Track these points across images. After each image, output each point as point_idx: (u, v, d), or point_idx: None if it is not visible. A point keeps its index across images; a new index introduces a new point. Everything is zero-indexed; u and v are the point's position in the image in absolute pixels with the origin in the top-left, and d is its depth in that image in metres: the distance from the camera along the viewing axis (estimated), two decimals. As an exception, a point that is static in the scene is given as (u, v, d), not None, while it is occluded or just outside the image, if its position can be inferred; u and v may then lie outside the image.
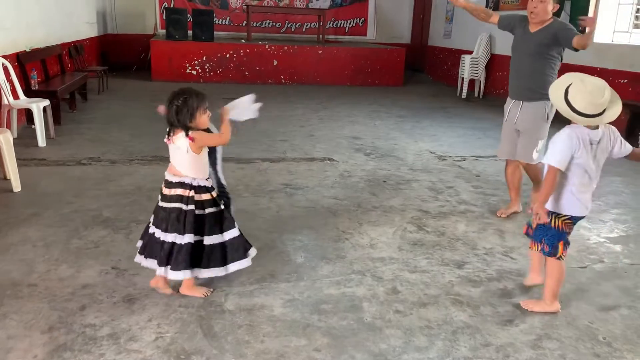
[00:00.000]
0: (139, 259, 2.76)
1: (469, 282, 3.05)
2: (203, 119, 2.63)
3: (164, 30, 11.46)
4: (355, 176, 5.04)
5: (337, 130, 7.06)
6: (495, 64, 10.79)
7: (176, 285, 2.77)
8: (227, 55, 11.12)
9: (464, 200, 4.48)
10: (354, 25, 14.46)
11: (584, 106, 2.49)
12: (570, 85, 2.57)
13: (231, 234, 2.71)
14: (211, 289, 2.81)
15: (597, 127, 2.59)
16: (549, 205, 2.67)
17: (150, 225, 2.74)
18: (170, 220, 2.62)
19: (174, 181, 2.65)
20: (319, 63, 11.64)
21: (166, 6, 12.78)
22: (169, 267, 2.62)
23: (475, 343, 2.47)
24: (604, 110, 2.51)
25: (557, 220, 2.69)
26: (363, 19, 14.47)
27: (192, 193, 2.62)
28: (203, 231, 2.65)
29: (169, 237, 2.62)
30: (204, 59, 10.99)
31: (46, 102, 5.85)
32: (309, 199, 4.35)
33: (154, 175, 4.74)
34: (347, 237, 3.61)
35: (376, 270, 3.15)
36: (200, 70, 11.01)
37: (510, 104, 4.01)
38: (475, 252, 3.47)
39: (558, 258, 2.71)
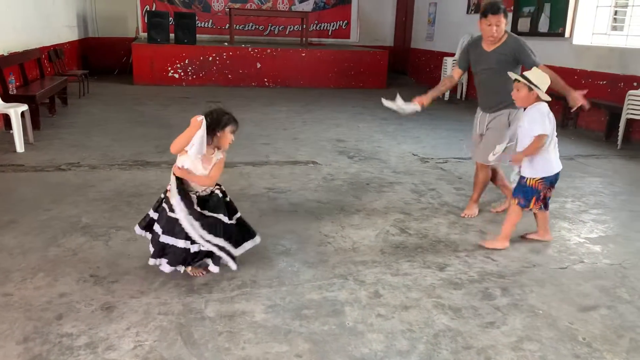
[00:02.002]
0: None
1: (451, 284, 3.06)
2: (227, 135, 2.94)
3: (146, 34, 11.36)
4: (339, 179, 5.03)
5: (320, 133, 7.05)
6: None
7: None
8: (210, 59, 11.06)
9: (446, 202, 4.49)
10: (337, 28, 14.48)
11: (540, 82, 3.35)
12: (523, 75, 3.41)
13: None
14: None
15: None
16: (528, 173, 3.46)
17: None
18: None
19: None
20: (303, 66, 11.64)
21: (148, 9, 12.69)
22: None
23: (456, 346, 2.47)
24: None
25: (530, 180, 3.47)
26: (346, 21, 14.51)
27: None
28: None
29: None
30: (187, 62, 10.92)
31: (24, 107, 5.76)
32: (291, 202, 4.33)
33: (134, 180, 4.69)
34: (330, 241, 3.60)
35: (358, 273, 3.14)
36: (182, 74, 10.94)
37: (479, 115, 4.18)
38: (456, 254, 3.47)
39: (530, 209, 3.55)
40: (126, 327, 2.50)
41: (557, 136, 3.51)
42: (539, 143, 3.36)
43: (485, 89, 4.10)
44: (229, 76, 11.21)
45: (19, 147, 5.46)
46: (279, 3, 13.97)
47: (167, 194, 2.89)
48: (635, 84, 7.13)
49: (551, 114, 3.42)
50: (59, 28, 10.02)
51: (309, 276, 3.08)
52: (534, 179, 3.46)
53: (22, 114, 5.68)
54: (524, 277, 3.18)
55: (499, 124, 4.01)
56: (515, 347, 2.48)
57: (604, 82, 7.81)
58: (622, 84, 7.46)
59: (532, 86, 3.33)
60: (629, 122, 6.97)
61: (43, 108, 7.00)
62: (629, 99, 6.82)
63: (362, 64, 12.01)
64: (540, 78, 3.36)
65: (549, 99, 3.38)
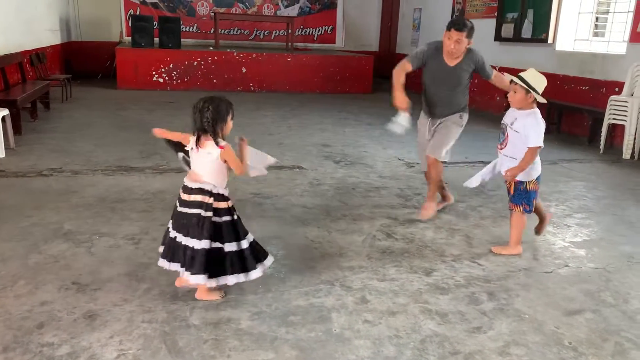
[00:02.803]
0: (162, 262, 2.76)
1: (438, 289, 3.06)
2: (230, 125, 2.71)
3: (130, 38, 11.27)
4: (325, 184, 5.02)
5: (306, 138, 7.04)
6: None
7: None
8: (195, 63, 11.01)
9: (432, 207, 4.49)
10: (322, 33, 14.51)
11: (540, 85, 3.30)
12: (517, 75, 3.35)
13: (246, 242, 2.76)
14: (223, 292, 2.85)
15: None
16: (522, 177, 3.41)
17: (171, 230, 2.75)
18: (191, 225, 2.66)
19: (193, 187, 2.69)
20: (288, 71, 11.63)
21: (132, 13, 12.59)
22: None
23: (443, 352, 2.46)
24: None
25: (529, 184, 3.46)
26: (332, 26, 14.54)
27: (211, 200, 2.67)
28: (222, 238, 2.69)
29: (190, 242, 2.66)
30: (171, 66, 10.85)
31: (5, 112, 5.66)
32: (277, 208, 4.30)
33: (118, 186, 4.63)
34: (316, 247, 3.58)
35: (345, 279, 3.12)
36: (167, 78, 10.87)
37: (427, 122, 4.25)
38: (443, 259, 3.48)
39: (529, 212, 3.54)
40: (109, 335, 2.45)
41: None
42: (533, 155, 3.33)
43: (440, 100, 4.13)
44: (214, 81, 11.16)
45: (0, 152, 5.37)
46: (264, 8, 13.96)
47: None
48: (616, 89, 7.23)
49: None
50: (41, 32, 9.90)
51: (296, 282, 3.06)
52: (531, 181, 3.45)
53: (3, 118, 5.59)
54: (509, 282, 3.19)
55: (451, 121, 4.12)
56: (502, 352, 2.48)
57: (587, 87, 7.92)
58: (604, 89, 7.57)
59: (530, 89, 3.27)
60: (611, 126, 7.06)
61: (25, 113, 6.89)
62: (611, 104, 6.91)
63: (347, 69, 12.03)
64: (537, 79, 3.30)
65: (545, 101, 3.37)
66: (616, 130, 7.19)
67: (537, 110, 3.36)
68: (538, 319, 2.79)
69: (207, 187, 2.67)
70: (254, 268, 2.76)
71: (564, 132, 8.13)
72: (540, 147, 3.32)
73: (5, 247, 3.32)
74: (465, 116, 4.21)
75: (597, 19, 8.25)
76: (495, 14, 9.92)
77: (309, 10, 14.27)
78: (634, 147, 6.72)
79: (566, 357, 2.46)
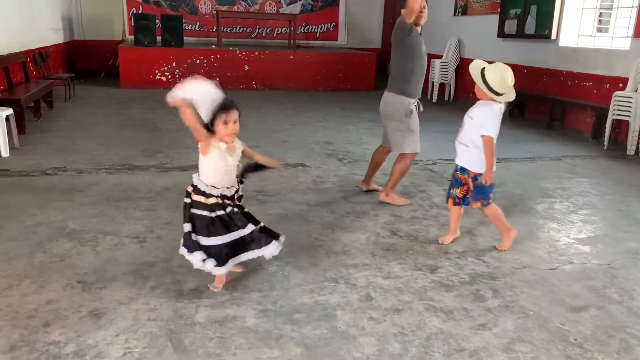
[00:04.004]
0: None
1: (442, 286, 3.06)
2: (219, 129, 2.70)
3: (133, 36, 11.27)
4: (328, 182, 5.02)
5: (309, 136, 7.04)
6: (464, 67, 10.92)
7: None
8: (198, 61, 11.01)
9: (435, 204, 4.50)
10: (324, 30, 14.48)
11: (497, 85, 3.20)
12: (485, 67, 3.24)
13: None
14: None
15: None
16: (478, 169, 3.38)
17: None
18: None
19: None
20: (291, 68, 11.62)
21: (134, 12, 12.60)
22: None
23: (449, 348, 2.46)
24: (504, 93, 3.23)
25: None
26: (334, 24, 14.50)
27: (190, 189, 2.79)
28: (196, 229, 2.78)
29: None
30: (174, 64, 10.86)
31: (9, 111, 5.68)
32: (281, 206, 4.31)
33: (121, 184, 4.64)
34: (320, 244, 3.58)
35: (350, 277, 3.12)
36: (170, 76, 10.87)
37: (415, 102, 4.38)
38: (447, 256, 3.47)
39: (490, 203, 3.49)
40: (115, 333, 2.46)
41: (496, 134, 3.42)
42: (491, 145, 3.29)
43: (423, 72, 4.35)
44: (217, 79, 11.00)
45: (4, 151, 5.38)
46: (267, 6, 13.95)
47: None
48: (620, 84, 7.21)
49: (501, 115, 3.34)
50: (44, 31, 9.91)
51: (300, 280, 3.06)
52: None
53: (7, 118, 5.61)
54: (514, 279, 3.19)
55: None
56: (507, 348, 2.48)
57: (590, 83, 7.89)
58: (608, 85, 7.54)
59: (487, 90, 3.23)
60: (615, 122, 7.04)
61: (28, 112, 6.90)
62: (615, 100, 6.89)
63: (350, 66, 12.02)
64: (501, 81, 3.20)
65: (502, 105, 3.29)
66: (620, 126, 7.16)
67: (496, 104, 3.29)
68: (543, 315, 2.78)
69: (194, 177, 2.82)
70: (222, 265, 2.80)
71: (567, 128, 8.11)
72: (492, 137, 3.27)
73: (11, 246, 3.33)
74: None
75: (600, 14, 8.22)
76: (498, 10, 9.89)
77: (311, 8, 14.25)
78: (638, 143, 6.69)
79: (571, 354, 2.46)
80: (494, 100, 3.28)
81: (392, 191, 4.48)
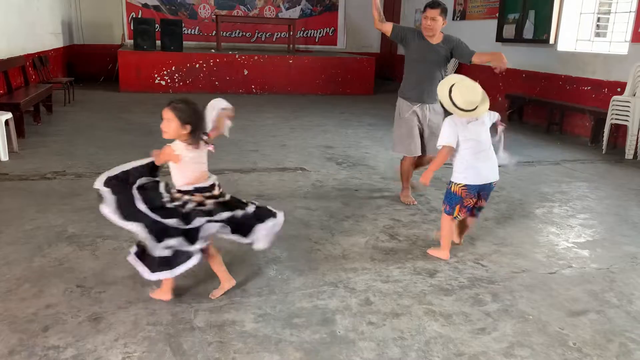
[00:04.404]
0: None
1: (441, 290, 3.06)
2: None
3: (132, 41, 11.30)
4: (328, 186, 5.02)
5: (308, 140, 7.04)
6: (463, 72, 10.95)
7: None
8: (197, 65, 11.02)
9: (434, 208, 4.50)
10: (324, 34, 14.53)
11: (462, 102, 3.20)
12: (453, 85, 3.25)
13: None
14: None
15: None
16: (452, 177, 3.39)
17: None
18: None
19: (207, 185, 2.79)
20: (290, 72, 11.64)
21: (134, 16, 12.63)
22: None
23: (448, 353, 2.46)
24: (476, 107, 3.22)
25: (454, 186, 3.37)
26: (333, 28, 14.56)
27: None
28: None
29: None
30: (173, 69, 10.87)
31: (8, 115, 5.68)
32: (280, 209, 4.29)
33: (121, 188, 4.63)
34: (320, 248, 3.58)
35: (349, 281, 3.13)
36: (169, 81, 10.88)
37: (416, 107, 4.41)
38: (446, 260, 3.47)
39: (454, 217, 3.43)
40: (114, 338, 2.46)
41: (499, 144, 3.44)
42: (443, 155, 3.33)
43: (421, 79, 4.38)
44: (216, 83, 11.18)
45: (3, 155, 5.38)
46: (266, 10, 13.99)
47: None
48: (619, 89, 7.23)
49: (477, 121, 3.29)
50: (43, 35, 9.93)
51: (299, 284, 3.06)
52: (456, 184, 3.37)
53: (6, 122, 5.61)
54: (513, 283, 3.19)
55: (439, 114, 4.39)
56: (506, 353, 2.48)
57: (589, 87, 7.91)
58: (606, 89, 7.56)
59: (459, 111, 3.22)
60: (614, 127, 7.05)
61: (28, 116, 6.92)
62: (613, 105, 6.91)
63: (349, 70, 12.04)
64: (465, 95, 3.19)
65: (461, 117, 3.26)
66: (618, 131, 7.18)
67: (453, 115, 3.30)
68: (542, 319, 2.78)
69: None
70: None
71: (566, 132, 8.12)
72: (447, 146, 3.28)
73: (10, 250, 3.33)
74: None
75: (598, 19, 8.25)
76: (497, 14, 9.92)
77: (311, 12, 14.30)
78: (636, 148, 6.71)
79: (571, 358, 2.46)
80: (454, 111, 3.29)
81: (405, 191, 4.67)
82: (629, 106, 6.70)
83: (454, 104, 3.23)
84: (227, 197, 2.83)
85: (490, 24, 9.97)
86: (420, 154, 4.53)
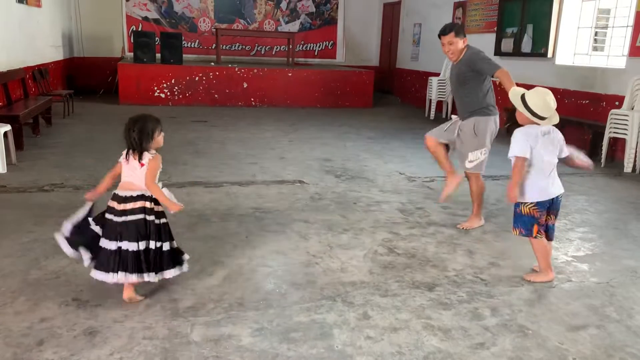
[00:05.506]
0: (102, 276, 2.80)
1: (440, 304, 3.03)
2: (159, 140, 2.95)
3: (132, 54, 11.35)
4: (326, 198, 5.01)
5: (307, 152, 7.05)
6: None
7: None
8: (197, 78, 11.07)
9: (433, 221, 4.49)
10: (323, 48, 14.60)
11: (540, 109, 3.18)
12: (525, 92, 3.26)
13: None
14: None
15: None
16: (518, 197, 3.27)
17: (105, 241, 2.83)
18: (133, 230, 2.79)
19: (133, 195, 2.84)
20: (289, 85, 11.68)
21: (134, 29, 12.71)
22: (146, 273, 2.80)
23: (447, 368, 2.43)
24: (550, 115, 3.23)
25: (524, 207, 3.29)
26: (332, 42, 14.63)
27: (152, 204, 2.86)
28: (161, 238, 2.87)
29: (132, 246, 2.78)
30: (173, 81, 10.91)
31: (7, 127, 5.69)
32: (279, 222, 4.29)
33: (119, 201, 4.62)
34: (318, 262, 3.56)
35: (347, 295, 3.10)
36: (169, 93, 10.92)
37: (456, 119, 4.46)
38: (445, 274, 3.46)
39: (535, 237, 3.30)
40: (109, 352, 2.43)
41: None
42: (517, 166, 3.21)
43: (455, 99, 4.48)
44: (216, 96, 11.22)
45: (1, 167, 5.38)
46: (266, 24, 14.08)
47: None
48: (617, 102, 7.25)
49: (549, 136, 3.26)
50: (43, 48, 9.97)
51: (297, 298, 3.04)
52: (525, 204, 3.28)
53: (5, 134, 5.61)
54: (512, 297, 3.17)
55: (466, 132, 4.26)
56: (505, 368, 2.45)
57: (587, 101, 7.94)
58: (604, 103, 7.59)
59: (525, 111, 3.20)
60: (612, 140, 7.07)
61: (27, 128, 6.92)
62: (611, 118, 6.92)
63: (348, 83, 12.09)
64: (544, 105, 3.18)
65: (541, 123, 3.22)
66: (617, 144, 7.19)
67: (535, 126, 3.25)
68: (542, 334, 2.76)
69: (147, 194, 2.85)
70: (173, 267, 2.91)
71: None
72: (521, 157, 3.19)
73: (6, 263, 3.31)
74: (482, 122, 4.21)
75: (596, 33, 8.30)
76: (495, 28, 9.99)
77: (310, 26, 14.38)
78: (635, 161, 6.71)
79: (571, 374, 2.44)
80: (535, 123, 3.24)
81: (449, 175, 4.53)
82: (627, 120, 6.71)
83: (528, 108, 3.18)
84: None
85: (489, 37, 10.02)
86: (439, 139, 4.41)
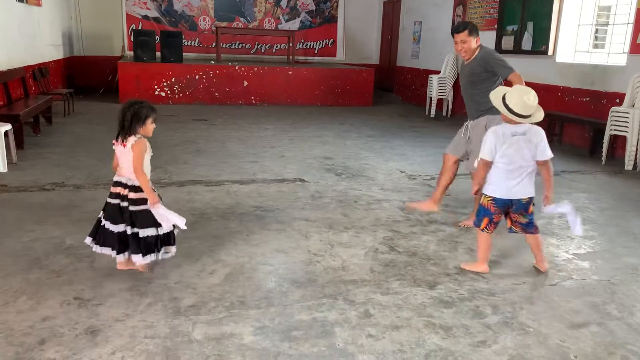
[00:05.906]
0: (95, 247, 3.15)
1: (441, 302, 3.04)
2: (149, 127, 3.09)
3: (132, 52, 11.34)
4: (327, 197, 5.01)
5: (308, 151, 7.04)
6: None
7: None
8: (197, 77, 11.06)
9: (434, 219, 4.49)
10: (323, 46, 14.59)
11: (516, 105, 3.19)
12: (506, 93, 3.27)
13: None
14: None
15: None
16: (483, 188, 3.38)
17: (102, 218, 3.15)
18: (114, 213, 3.08)
19: (116, 180, 3.13)
20: (289, 84, 11.68)
21: (134, 28, 12.70)
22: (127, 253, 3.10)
23: (448, 366, 2.44)
24: (531, 114, 3.24)
25: (483, 198, 3.38)
26: (332, 40, 14.62)
27: (126, 192, 3.07)
28: (136, 224, 3.08)
29: (115, 228, 3.07)
30: (173, 80, 10.91)
31: (8, 127, 5.68)
32: (279, 221, 4.29)
33: (120, 200, 4.62)
34: (319, 260, 3.57)
35: (348, 293, 3.11)
36: (169, 92, 10.91)
37: (467, 122, 4.41)
38: (446, 271, 3.46)
39: (482, 230, 3.39)
40: (111, 351, 2.43)
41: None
42: (480, 167, 3.35)
43: (464, 97, 4.42)
44: (216, 94, 11.21)
45: (2, 167, 5.37)
46: (266, 22, 14.06)
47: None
48: (617, 100, 7.24)
49: (524, 137, 3.24)
50: (43, 47, 9.96)
51: (298, 296, 3.04)
52: (485, 196, 3.38)
53: (6, 133, 5.61)
54: (514, 295, 3.17)
55: (478, 130, 4.17)
56: (507, 366, 2.46)
57: (587, 98, 7.93)
58: (604, 100, 7.58)
59: (506, 111, 3.22)
60: (613, 138, 7.06)
61: (27, 127, 6.92)
62: (612, 116, 6.92)
63: (348, 81, 12.08)
64: (523, 105, 3.18)
65: (524, 121, 3.23)
66: (618, 142, 7.18)
67: (508, 124, 3.29)
68: (543, 332, 2.76)
69: (124, 180, 3.08)
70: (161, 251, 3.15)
71: (565, 143, 8.13)
72: (484, 159, 3.31)
73: (7, 262, 3.31)
74: (495, 121, 4.06)
75: (596, 30, 8.29)
76: (495, 26, 9.98)
77: (310, 24, 14.37)
78: (636, 158, 6.71)
79: (572, 371, 2.44)
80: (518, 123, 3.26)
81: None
82: (627, 117, 6.71)
83: (508, 108, 3.22)
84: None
85: (489, 35, 10.01)
86: (454, 154, 4.39)
